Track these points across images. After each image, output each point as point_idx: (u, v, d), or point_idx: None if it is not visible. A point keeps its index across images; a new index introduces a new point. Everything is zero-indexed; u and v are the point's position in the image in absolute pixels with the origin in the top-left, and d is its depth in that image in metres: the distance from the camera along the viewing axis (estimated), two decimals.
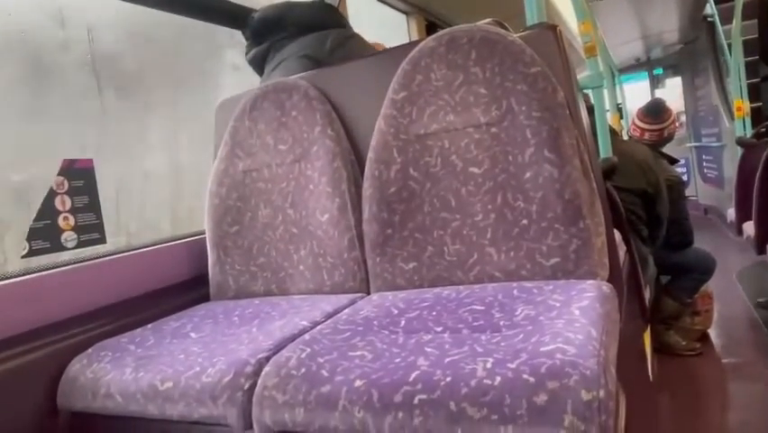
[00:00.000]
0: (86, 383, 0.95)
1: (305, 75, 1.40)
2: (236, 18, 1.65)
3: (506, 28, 1.17)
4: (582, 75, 2.24)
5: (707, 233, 4.53)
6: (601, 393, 0.61)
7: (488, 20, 1.20)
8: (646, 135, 2.61)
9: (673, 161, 2.58)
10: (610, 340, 0.75)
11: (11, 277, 1.06)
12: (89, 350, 1.03)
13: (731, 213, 3.07)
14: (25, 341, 1.02)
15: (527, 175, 1.04)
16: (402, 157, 1.15)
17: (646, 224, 2.13)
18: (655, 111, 2.61)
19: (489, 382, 0.65)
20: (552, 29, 1.11)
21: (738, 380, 1.99)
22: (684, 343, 2.27)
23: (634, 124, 2.70)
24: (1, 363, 0.96)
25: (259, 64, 1.61)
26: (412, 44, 1.26)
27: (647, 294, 1.84)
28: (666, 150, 2.70)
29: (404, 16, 2.89)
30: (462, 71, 1.12)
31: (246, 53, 1.62)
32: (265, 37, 1.58)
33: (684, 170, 6.39)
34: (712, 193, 5.44)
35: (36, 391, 0.99)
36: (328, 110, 1.31)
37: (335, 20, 1.61)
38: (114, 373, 0.94)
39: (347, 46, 1.52)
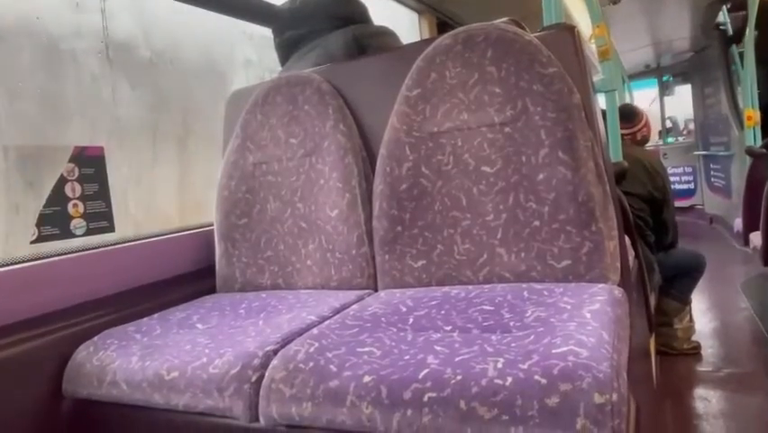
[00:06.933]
0: (92, 370, 0.95)
1: (317, 69, 1.39)
2: (266, 15, 1.64)
3: (523, 28, 1.16)
4: (595, 78, 2.24)
5: (712, 242, 4.50)
6: (614, 397, 0.60)
7: (504, 19, 1.19)
8: None
9: None
10: (622, 344, 0.74)
11: (19, 262, 1.06)
12: (96, 338, 1.03)
13: (738, 223, 3.06)
14: (32, 327, 1.02)
15: (540, 176, 1.03)
16: (414, 154, 1.14)
17: (653, 229, 2.13)
18: (628, 115, 2.63)
19: (500, 382, 0.65)
20: (569, 30, 1.10)
21: (739, 390, 1.98)
22: (685, 346, 2.27)
23: None
24: (8, 347, 0.96)
25: (288, 49, 1.57)
26: (426, 41, 1.25)
27: (652, 300, 1.84)
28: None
29: (416, 15, 2.89)
30: (478, 70, 1.11)
31: (275, 37, 1.59)
32: (301, 26, 1.55)
33: (691, 177, 6.37)
34: (719, 202, 5.41)
35: (42, 376, 0.99)
36: (340, 105, 1.30)
37: (361, 13, 1.59)
38: (120, 361, 0.94)
39: (380, 41, 1.49)
